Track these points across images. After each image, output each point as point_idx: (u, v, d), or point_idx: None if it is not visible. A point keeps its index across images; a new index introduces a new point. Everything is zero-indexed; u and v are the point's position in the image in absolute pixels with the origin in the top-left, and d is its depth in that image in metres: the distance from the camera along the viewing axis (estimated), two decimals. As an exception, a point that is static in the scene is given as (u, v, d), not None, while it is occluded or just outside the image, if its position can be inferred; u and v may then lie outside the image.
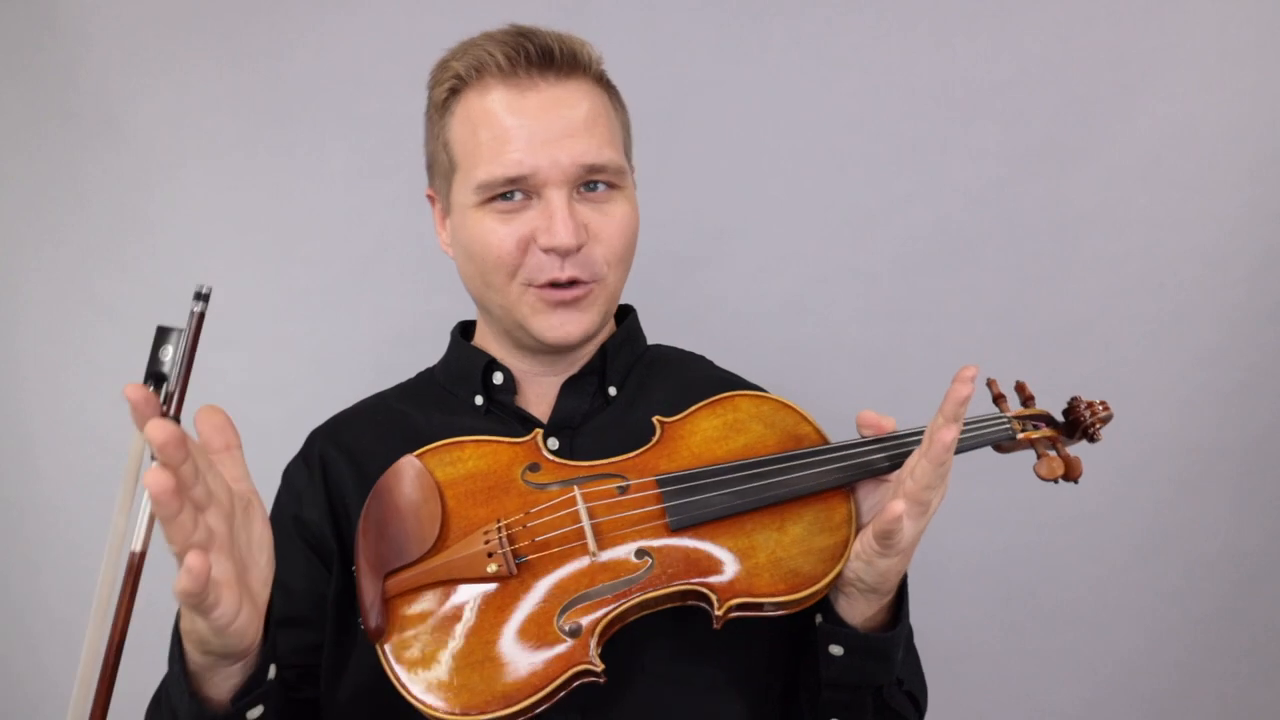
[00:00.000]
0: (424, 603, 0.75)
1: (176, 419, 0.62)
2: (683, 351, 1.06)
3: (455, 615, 0.75)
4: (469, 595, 0.75)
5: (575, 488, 0.80)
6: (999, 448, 0.88)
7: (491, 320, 0.96)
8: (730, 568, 0.76)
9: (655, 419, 0.86)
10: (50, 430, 1.55)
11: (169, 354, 0.62)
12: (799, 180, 1.53)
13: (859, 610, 0.80)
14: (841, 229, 1.54)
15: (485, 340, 0.99)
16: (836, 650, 0.80)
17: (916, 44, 1.50)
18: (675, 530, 0.77)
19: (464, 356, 0.99)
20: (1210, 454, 1.58)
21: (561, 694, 0.72)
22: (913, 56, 1.50)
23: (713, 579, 0.75)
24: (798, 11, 1.50)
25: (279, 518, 0.97)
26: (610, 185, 0.89)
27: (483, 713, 0.70)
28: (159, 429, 0.60)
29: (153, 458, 0.60)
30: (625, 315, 1.03)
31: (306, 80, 1.49)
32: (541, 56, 0.86)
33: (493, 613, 0.75)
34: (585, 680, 0.72)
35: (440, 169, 0.93)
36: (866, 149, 1.52)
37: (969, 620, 1.60)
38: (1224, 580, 1.61)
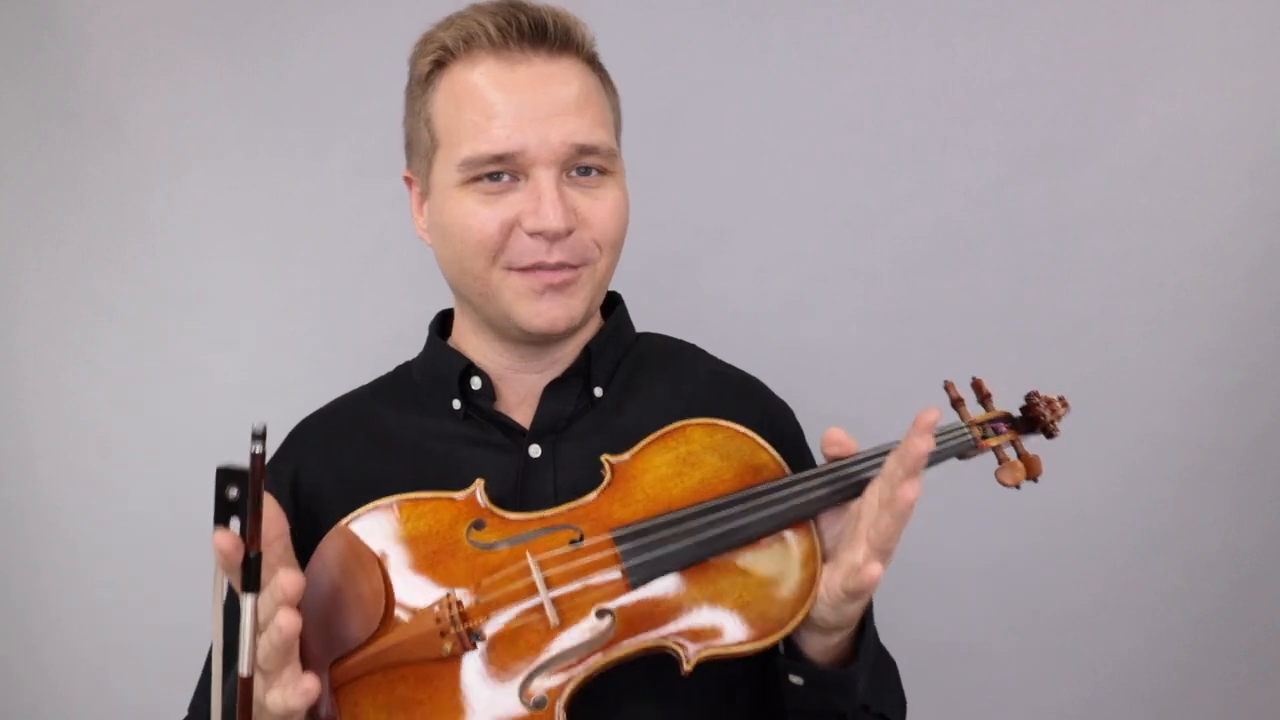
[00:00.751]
0: (377, 689, 0.70)
1: (258, 554, 0.63)
2: (673, 341, 1.01)
3: (412, 699, 0.70)
4: (424, 676, 0.70)
5: (527, 552, 0.74)
6: (961, 456, 0.86)
7: (470, 311, 0.91)
8: (696, 619, 0.72)
9: (604, 458, 0.80)
10: (50, 430, 1.55)
11: (234, 493, 0.62)
12: (799, 180, 1.53)
13: (818, 645, 0.78)
14: (841, 229, 1.54)
15: (464, 334, 0.93)
16: (797, 680, 0.78)
17: (916, 44, 1.50)
18: (635, 586, 0.73)
19: (441, 358, 0.93)
20: (1210, 454, 1.58)
21: None
22: (913, 56, 1.50)
23: (678, 634, 0.72)
24: (798, 11, 1.50)
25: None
26: (601, 170, 0.84)
27: None
28: (287, 619, 0.62)
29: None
30: (611, 307, 0.97)
31: (306, 80, 1.49)
32: (535, 30, 0.81)
33: (451, 693, 0.70)
34: None
35: (420, 148, 0.88)
36: (866, 149, 1.52)
37: (969, 620, 1.60)
38: (1224, 580, 1.60)
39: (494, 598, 0.72)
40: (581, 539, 0.75)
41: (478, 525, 0.76)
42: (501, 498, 0.80)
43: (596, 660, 0.71)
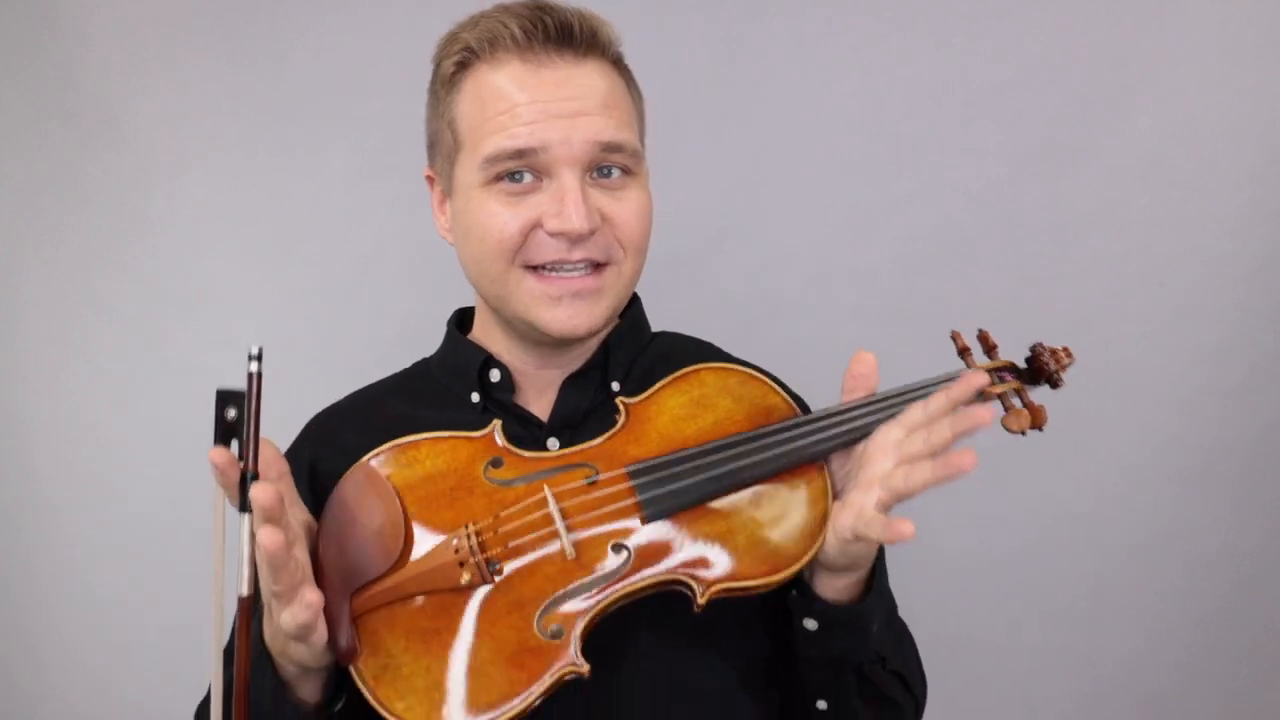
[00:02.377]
0: (396, 619, 0.72)
1: (255, 475, 0.65)
2: (690, 340, 1.01)
3: (430, 629, 0.71)
4: (442, 606, 0.72)
5: (545, 485, 0.75)
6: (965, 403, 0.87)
7: (492, 310, 0.91)
8: (709, 554, 0.73)
9: (619, 400, 0.81)
10: (50, 430, 1.55)
11: (232, 414, 0.65)
12: (799, 180, 1.53)
13: (830, 585, 0.78)
14: (841, 228, 1.54)
15: (485, 330, 0.93)
16: (810, 625, 0.78)
17: (916, 44, 1.50)
18: (650, 521, 0.74)
19: (460, 351, 0.94)
20: (1211, 454, 1.57)
21: (547, 695, 0.70)
22: (913, 56, 1.50)
23: (692, 567, 0.73)
24: (798, 11, 1.50)
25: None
26: (626, 170, 0.83)
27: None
28: (263, 493, 0.63)
29: (243, 509, 0.64)
30: (629, 305, 0.97)
31: (306, 80, 1.49)
32: (560, 32, 0.80)
33: (469, 623, 0.72)
34: (570, 679, 0.71)
35: (443, 147, 0.87)
36: (866, 149, 1.52)
37: (969, 619, 1.60)
38: (1224, 580, 1.60)
39: (511, 529, 0.74)
40: (597, 475, 0.76)
41: (495, 463, 0.78)
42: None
43: (612, 593, 0.72)
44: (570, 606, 0.72)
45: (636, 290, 0.98)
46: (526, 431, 0.89)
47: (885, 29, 1.50)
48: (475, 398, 0.91)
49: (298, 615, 0.66)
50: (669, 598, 0.74)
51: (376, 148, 1.49)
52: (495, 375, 0.91)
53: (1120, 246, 1.52)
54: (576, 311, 0.83)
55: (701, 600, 0.72)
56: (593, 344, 0.92)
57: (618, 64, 0.86)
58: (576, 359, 0.91)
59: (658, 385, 0.82)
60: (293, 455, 0.94)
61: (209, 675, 0.66)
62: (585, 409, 0.90)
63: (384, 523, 0.74)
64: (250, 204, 1.52)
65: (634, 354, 0.94)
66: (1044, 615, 1.61)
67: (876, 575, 0.80)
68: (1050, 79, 1.49)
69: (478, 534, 0.74)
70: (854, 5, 1.50)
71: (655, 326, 1.03)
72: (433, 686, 0.70)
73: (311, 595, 0.66)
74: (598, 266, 0.83)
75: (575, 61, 0.81)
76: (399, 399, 0.96)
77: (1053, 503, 1.57)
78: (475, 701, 0.69)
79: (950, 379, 0.83)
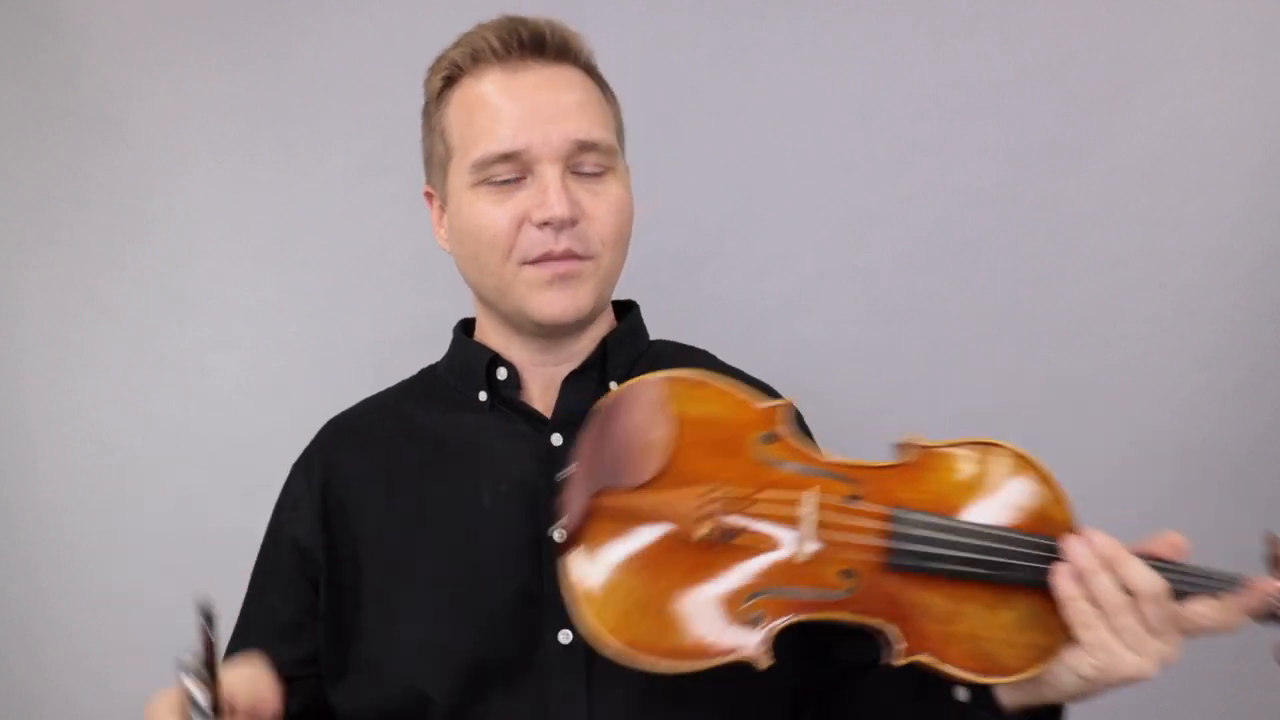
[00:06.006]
0: (623, 532, 0.74)
1: None
2: (685, 347, 1.05)
3: (648, 558, 0.73)
4: (668, 545, 0.74)
5: (816, 485, 0.75)
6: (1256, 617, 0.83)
7: (491, 311, 0.96)
8: (927, 625, 0.73)
9: (910, 437, 0.78)
10: (50, 430, 1.55)
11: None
12: (799, 180, 1.53)
13: (1017, 699, 0.78)
14: (841, 229, 1.54)
15: (486, 334, 0.98)
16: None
17: (916, 44, 1.50)
18: (889, 568, 0.74)
19: (467, 352, 0.98)
20: (1210, 454, 1.57)
21: (712, 669, 0.72)
22: (913, 56, 1.50)
23: (905, 626, 0.73)
24: (798, 11, 1.50)
25: (277, 528, 0.99)
26: (603, 167, 0.90)
27: (645, 654, 0.71)
28: None
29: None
30: (627, 310, 1.02)
31: (306, 80, 1.49)
32: (534, 40, 0.88)
33: (685, 572, 0.73)
34: (743, 665, 0.72)
35: (437, 160, 0.94)
36: (866, 149, 1.52)
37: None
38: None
39: (763, 510, 0.75)
40: (860, 500, 0.76)
41: (768, 438, 0.77)
42: (529, 484, 0.88)
43: (821, 612, 0.73)
44: (780, 603, 0.73)
45: (635, 299, 1.03)
46: (532, 427, 0.93)
47: (885, 29, 1.50)
48: (483, 396, 0.95)
49: None
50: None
51: (376, 148, 1.49)
52: (503, 373, 0.95)
53: (1120, 246, 1.52)
54: (561, 295, 0.88)
55: (897, 661, 0.72)
56: (589, 343, 0.96)
57: (590, 72, 0.93)
58: (576, 357, 0.95)
59: (954, 440, 0.78)
60: (304, 463, 1.00)
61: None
62: (586, 406, 0.91)
63: (654, 443, 0.75)
64: (250, 204, 1.52)
65: (632, 357, 0.98)
66: (1044, 615, 1.61)
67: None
68: (1050, 79, 1.49)
69: (730, 498, 0.74)
70: (854, 5, 1.50)
71: (654, 327, 1.05)
72: (629, 609, 0.72)
73: None
74: (580, 259, 0.88)
75: (549, 65, 0.89)
76: (411, 403, 1.00)
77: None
78: (660, 641, 0.71)
79: (1233, 580, 0.84)
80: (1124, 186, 1.51)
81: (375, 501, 0.94)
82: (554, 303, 0.88)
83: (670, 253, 1.48)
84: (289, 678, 0.93)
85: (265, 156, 1.51)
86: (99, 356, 1.53)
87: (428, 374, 1.05)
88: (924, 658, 0.72)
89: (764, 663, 0.72)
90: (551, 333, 0.93)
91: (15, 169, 1.51)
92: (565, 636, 0.86)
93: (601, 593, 0.73)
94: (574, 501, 0.75)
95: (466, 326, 1.04)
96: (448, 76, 0.91)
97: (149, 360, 1.53)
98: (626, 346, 0.98)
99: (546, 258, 0.87)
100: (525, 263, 0.88)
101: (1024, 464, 0.78)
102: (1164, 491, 1.59)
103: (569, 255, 0.87)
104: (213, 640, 0.65)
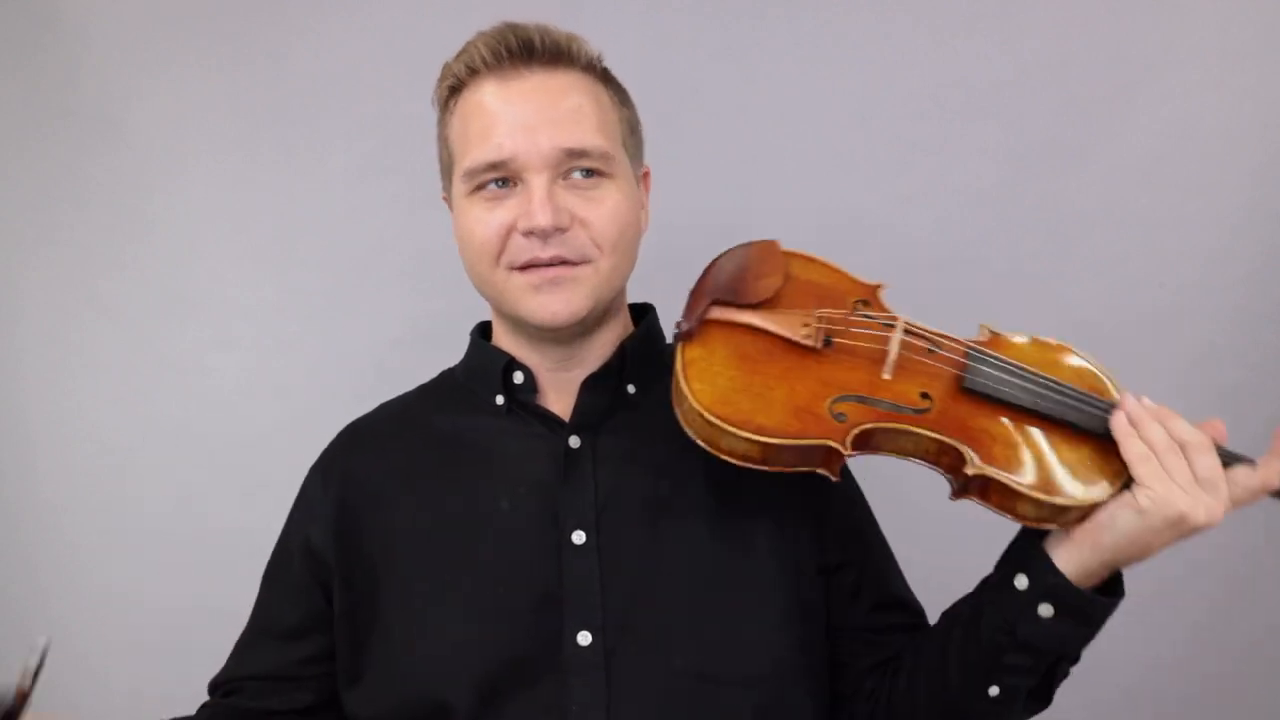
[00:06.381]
0: (733, 337, 0.85)
1: None
2: None
3: (752, 355, 0.84)
4: (770, 347, 0.85)
5: (901, 319, 0.86)
6: None
7: (498, 313, 0.97)
8: (996, 446, 0.79)
9: (982, 325, 0.89)
10: (50, 430, 1.55)
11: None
12: (799, 180, 1.53)
13: (1077, 562, 0.81)
14: (841, 229, 1.54)
15: (501, 338, 0.99)
16: (1046, 611, 0.81)
17: (916, 44, 1.50)
18: (963, 390, 0.82)
19: (484, 356, 0.99)
20: (1210, 454, 1.57)
21: (801, 463, 0.80)
22: (913, 56, 1.50)
23: (976, 443, 0.79)
24: (798, 11, 1.50)
25: (290, 532, 1.00)
26: (597, 172, 0.89)
27: (736, 427, 0.79)
28: None
29: None
30: (644, 314, 1.03)
31: (306, 80, 1.49)
32: (523, 47, 0.88)
33: (784, 366, 0.83)
34: (829, 455, 0.79)
35: (445, 168, 0.95)
36: (866, 149, 1.52)
37: (969, 620, 1.60)
38: (1223, 580, 1.60)
39: (854, 332, 0.86)
40: (939, 351, 0.86)
41: (865, 302, 0.90)
42: (547, 487, 0.90)
43: (901, 425, 0.80)
44: (863, 408, 0.81)
45: (651, 302, 1.04)
46: (549, 430, 0.93)
47: (885, 29, 1.50)
48: (500, 399, 0.96)
49: None
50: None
51: (376, 148, 1.49)
52: (519, 377, 0.95)
53: (1120, 246, 1.52)
54: (552, 299, 0.88)
55: (970, 471, 0.77)
56: (605, 348, 0.96)
57: (593, 72, 0.92)
58: (592, 361, 0.95)
59: (1023, 333, 0.90)
60: (321, 469, 1.01)
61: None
62: (603, 409, 0.94)
63: (766, 276, 0.89)
64: (250, 204, 1.52)
65: (649, 361, 0.98)
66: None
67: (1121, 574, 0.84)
68: (1050, 79, 1.49)
69: (830, 319, 0.87)
70: (854, 5, 1.50)
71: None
72: (730, 388, 0.82)
73: None
74: (571, 265, 0.88)
75: (543, 72, 0.89)
76: (429, 406, 1.01)
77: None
78: (753, 416, 0.80)
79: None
80: (1124, 186, 1.51)
81: (393, 507, 0.94)
82: (545, 306, 0.88)
83: (669, 254, 1.47)
84: (296, 676, 0.94)
85: (265, 156, 1.51)
86: (99, 356, 1.53)
87: (446, 377, 1.05)
88: (993, 471, 0.77)
89: (847, 450, 0.79)
90: (555, 336, 0.93)
91: (15, 169, 1.51)
92: (585, 638, 0.86)
93: (706, 374, 0.82)
94: (694, 306, 0.86)
95: (484, 330, 1.04)
96: (452, 86, 0.92)
97: (149, 360, 1.53)
98: (644, 350, 0.98)
99: (533, 264, 0.88)
100: (513, 268, 0.89)
101: (1083, 361, 0.90)
102: (1164, 491, 1.59)
103: (557, 261, 0.87)
104: (32, 686, 0.68)
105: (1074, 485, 0.78)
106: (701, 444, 0.83)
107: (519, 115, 0.87)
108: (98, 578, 1.55)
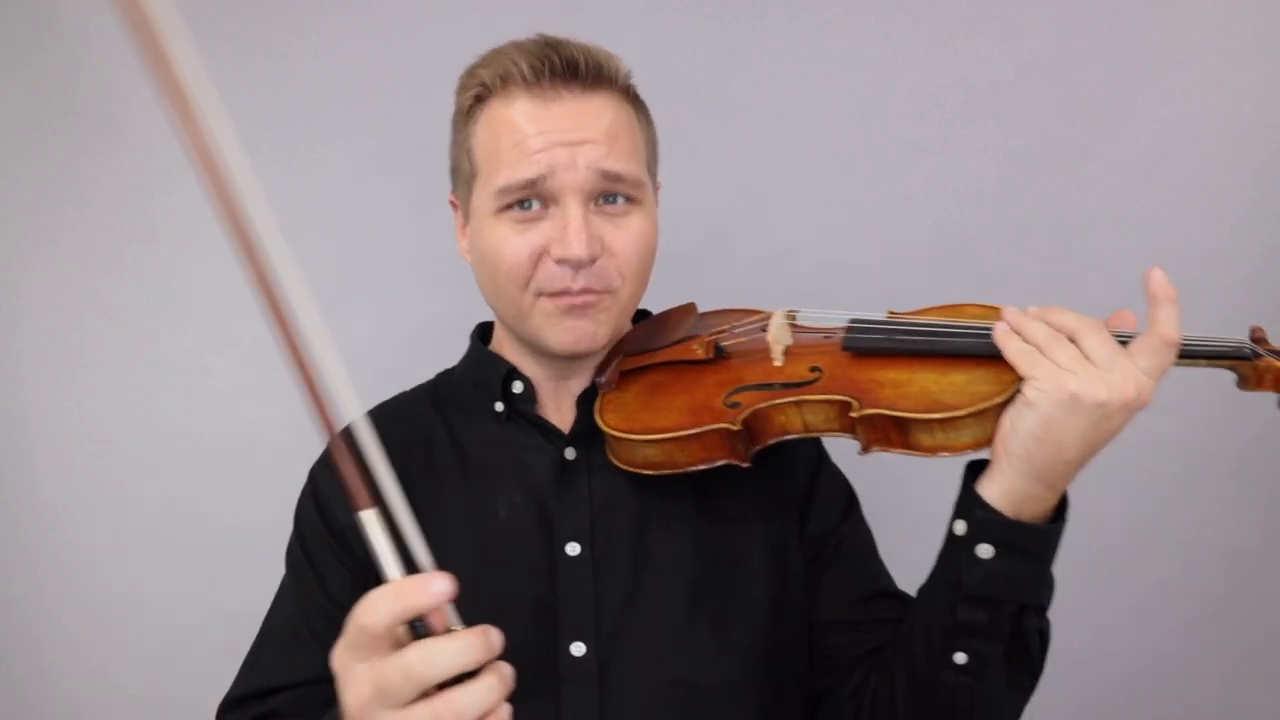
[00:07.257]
0: (645, 376, 0.93)
1: None
2: None
3: (663, 381, 0.91)
4: (680, 372, 0.92)
5: (777, 311, 0.94)
6: (1235, 357, 0.89)
7: (506, 327, 0.96)
8: (883, 390, 0.81)
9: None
10: (50, 430, 1.55)
11: None
12: (799, 180, 1.53)
13: (1005, 490, 0.76)
14: (841, 228, 1.54)
15: (502, 345, 0.99)
16: (985, 551, 0.76)
17: (916, 44, 1.50)
18: (847, 351, 0.85)
19: (484, 362, 0.99)
20: (1210, 453, 1.57)
21: (708, 457, 0.84)
22: (913, 56, 1.50)
23: (860, 392, 0.81)
24: (798, 11, 1.50)
25: (305, 530, 0.96)
26: (628, 199, 0.89)
27: (637, 434, 0.85)
28: None
29: None
30: (639, 320, 1.03)
31: (306, 80, 1.49)
32: (567, 68, 0.86)
33: (687, 381, 0.90)
34: (727, 439, 0.83)
35: (463, 175, 0.93)
36: (866, 149, 1.52)
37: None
38: (1223, 580, 1.61)
39: (740, 334, 0.94)
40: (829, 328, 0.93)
41: (764, 320, 0.97)
42: (543, 497, 0.91)
43: (790, 398, 0.84)
44: (756, 393, 0.85)
45: (650, 303, 1.03)
46: (547, 440, 0.94)
47: (885, 29, 1.50)
48: (499, 407, 0.95)
49: None
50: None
51: (376, 148, 1.49)
52: (518, 387, 0.95)
53: (1120, 246, 1.52)
54: (578, 328, 0.89)
55: (854, 415, 0.79)
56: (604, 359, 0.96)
57: (626, 94, 0.91)
58: (591, 373, 0.96)
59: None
60: (313, 484, 0.98)
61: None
62: None
63: (680, 327, 0.99)
64: (250, 204, 1.52)
65: None
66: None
67: (1063, 507, 0.79)
68: (1050, 79, 1.49)
69: (718, 332, 0.95)
70: (854, 5, 1.50)
71: (655, 326, 1.05)
72: (636, 410, 0.88)
73: None
74: (595, 293, 0.88)
75: (582, 94, 0.87)
76: (427, 408, 1.00)
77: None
78: (648, 423, 0.86)
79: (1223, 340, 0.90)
80: (1124, 186, 1.51)
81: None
82: (570, 332, 0.88)
83: (669, 253, 1.48)
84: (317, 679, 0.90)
85: (265, 156, 1.51)
86: (99, 356, 1.53)
87: (443, 380, 1.05)
88: (877, 410, 0.78)
89: (736, 426, 0.82)
90: (568, 359, 0.93)
91: (15, 169, 1.50)
92: (578, 649, 0.86)
93: (621, 409, 0.89)
94: (608, 364, 0.94)
95: (484, 333, 1.03)
96: (477, 95, 0.89)
97: (149, 360, 1.53)
98: None
99: (564, 293, 0.87)
100: (542, 294, 0.88)
101: (981, 305, 0.93)
102: (1163, 491, 1.59)
103: (586, 291, 0.87)
104: None
105: (958, 397, 0.77)
106: (624, 466, 0.88)
107: (556, 136, 0.84)
108: (98, 578, 1.55)
